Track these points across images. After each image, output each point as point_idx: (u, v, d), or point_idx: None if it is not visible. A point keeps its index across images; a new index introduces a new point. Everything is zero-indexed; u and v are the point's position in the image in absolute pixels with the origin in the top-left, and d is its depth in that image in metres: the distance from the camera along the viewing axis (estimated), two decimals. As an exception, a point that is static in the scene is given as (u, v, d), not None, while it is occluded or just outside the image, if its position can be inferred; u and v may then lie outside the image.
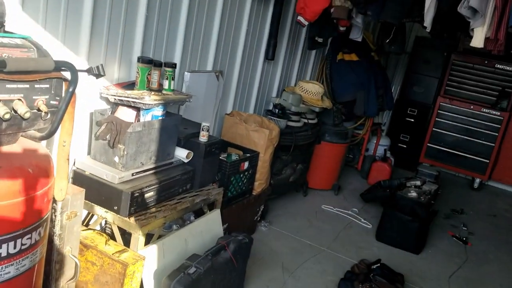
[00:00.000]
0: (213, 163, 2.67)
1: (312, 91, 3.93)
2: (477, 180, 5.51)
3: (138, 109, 2.28)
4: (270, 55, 3.60)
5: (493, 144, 5.35)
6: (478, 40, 2.54)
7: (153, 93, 2.29)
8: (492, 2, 2.42)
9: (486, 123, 5.35)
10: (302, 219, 3.83)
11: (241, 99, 3.61)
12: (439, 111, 5.54)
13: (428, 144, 5.64)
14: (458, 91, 5.46)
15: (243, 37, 3.38)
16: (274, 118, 3.53)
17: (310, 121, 3.89)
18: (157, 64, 2.35)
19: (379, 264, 2.91)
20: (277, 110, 3.57)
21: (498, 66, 5.27)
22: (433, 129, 5.59)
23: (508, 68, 5.22)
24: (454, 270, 3.42)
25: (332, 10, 3.08)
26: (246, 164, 2.97)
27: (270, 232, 3.46)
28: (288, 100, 3.69)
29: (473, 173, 5.53)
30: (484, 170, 5.43)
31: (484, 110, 5.34)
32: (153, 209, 2.27)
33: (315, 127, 4.01)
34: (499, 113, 5.27)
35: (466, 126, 5.45)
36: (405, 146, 5.78)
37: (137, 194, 2.15)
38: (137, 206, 2.17)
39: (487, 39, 2.55)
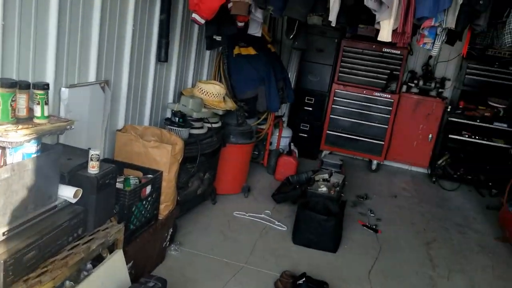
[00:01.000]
0: (109, 197, 2.23)
1: (213, 92, 3.60)
2: (375, 162, 5.70)
3: (3, 149, 1.76)
4: (163, 57, 3.19)
5: (386, 126, 5.55)
6: (385, 33, 2.45)
7: (20, 125, 1.78)
8: (397, -6, 2.34)
9: (379, 106, 5.52)
10: (214, 232, 3.53)
11: (134, 110, 3.16)
12: (335, 98, 5.59)
13: (327, 132, 5.68)
14: (351, 77, 5.55)
15: (129, 38, 2.92)
16: (174, 128, 3.14)
17: (214, 125, 3.57)
18: (24, 86, 1.83)
19: (304, 279, 2.74)
20: (177, 119, 3.19)
21: (385, 50, 5.43)
22: (331, 116, 5.64)
23: (394, 51, 5.40)
24: (372, 264, 3.41)
25: (230, 5, 2.77)
26: (148, 189, 2.57)
27: (182, 256, 3.11)
28: (188, 105, 3.31)
29: (371, 155, 5.71)
30: (380, 151, 5.63)
31: (376, 93, 5.50)
32: (37, 272, 1.79)
33: (220, 131, 3.71)
34: (389, 96, 5.46)
35: (360, 111, 5.57)
36: (306, 136, 5.75)
37: (12, 260, 1.66)
38: (15, 274, 1.68)
39: (394, 32, 2.47)
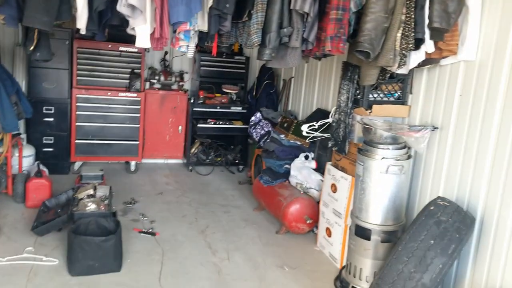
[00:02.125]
0: None
1: None
2: (133, 163, 5.60)
3: None
4: None
5: (138, 125, 5.50)
6: (143, 39, 2.36)
7: None
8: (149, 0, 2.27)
9: (127, 106, 5.41)
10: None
11: None
12: (77, 104, 5.18)
13: (76, 141, 5.24)
14: (92, 80, 5.24)
15: None
16: None
17: None
18: None
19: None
20: None
21: (123, 49, 5.32)
22: (77, 124, 5.22)
23: (132, 49, 5.34)
24: (159, 269, 3.36)
25: None
26: None
27: None
28: None
29: (127, 157, 5.59)
30: (136, 151, 5.56)
31: (121, 94, 5.36)
32: None
33: None
34: (135, 95, 5.41)
35: (108, 114, 5.35)
36: (52, 150, 5.15)
37: None
38: None
39: (151, 37, 2.41)
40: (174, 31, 2.51)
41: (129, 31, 2.48)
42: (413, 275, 2.39)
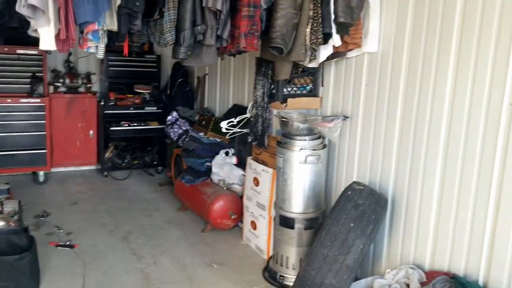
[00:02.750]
0: None
1: None
2: (41, 173, 5.23)
3: None
4: None
5: (44, 132, 5.15)
6: (48, 41, 2.20)
7: None
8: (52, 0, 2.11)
9: (30, 113, 5.04)
10: None
11: None
12: (-26, 113, 4.71)
13: (-26, 154, 4.78)
14: (-12, 86, 4.79)
15: None
16: None
17: None
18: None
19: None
20: None
21: (21, 52, 4.94)
22: (-26, 135, 4.75)
23: (31, 52, 4.97)
24: (82, 283, 3.19)
25: None
26: None
27: None
28: None
29: (35, 167, 5.20)
30: (45, 160, 5.20)
31: (23, 100, 4.98)
32: None
33: None
34: (39, 100, 5.05)
35: (9, 122, 4.95)
36: None
37: None
38: None
39: (58, 39, 2.25)
40: (82, 32, 2.38)
41: (30, 33, 2.30)
42: (337, 257, 2.52)
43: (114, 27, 2.40)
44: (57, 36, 2.25)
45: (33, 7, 2.07)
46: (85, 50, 2.49)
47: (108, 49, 2.78)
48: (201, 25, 2.50)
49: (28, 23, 2.22)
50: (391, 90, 2.91)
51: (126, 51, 2.72)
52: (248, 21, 2.53)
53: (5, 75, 4.87)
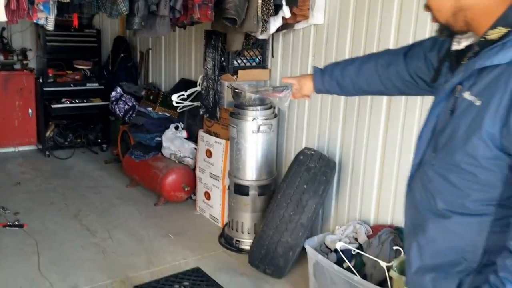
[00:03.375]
0: None
1: None
2: (-23, 155, 4.97)
3: None
4: None
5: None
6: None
7: None
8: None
9: (-39, 91, 4.73)
10: None
11: None
12: None
13: None
14: None
15: None
16: None
17: None
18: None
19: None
20: None
21: None
22: None
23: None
24: (37, 260, 3.15)
25: None
26: None
27: None
28: None
29: (-31, 149, 4.93)
30: (-20, 141, 4.94)
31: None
32: None
33: None
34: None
35: None
36: None
37: None
38: None
39: (8, 10, 2.15)
40: (32, 3, 2.29)
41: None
42: (293, 217, 2.70)
43: (63, -4, 2.34)
44: (6, 6, 2.16)
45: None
46: (35, 21, 2.41)
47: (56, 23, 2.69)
48: (155, -5, 2.51)
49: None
50: (337, 59, 3.08)
51: (76, 22, 2.66)
52: (202, -8, 2.57)
53: None
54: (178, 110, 4.33)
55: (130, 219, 3.90)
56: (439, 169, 1.11)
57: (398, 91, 1.53)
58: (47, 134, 5.40)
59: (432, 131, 1.16)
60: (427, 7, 1.14)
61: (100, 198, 4.31)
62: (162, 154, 4.34)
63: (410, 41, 2.60)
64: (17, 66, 5.27)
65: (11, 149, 5.45)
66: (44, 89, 5.24)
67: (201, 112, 3.85)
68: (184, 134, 4.34)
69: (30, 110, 5.31)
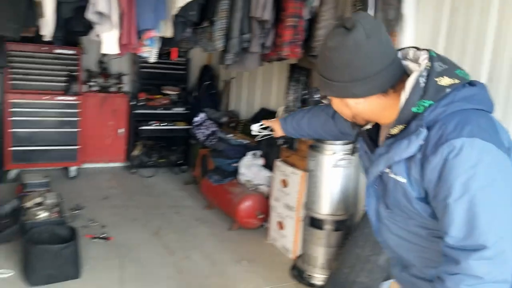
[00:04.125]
0: None
1: None
2: (73, 168, 5.42)
3: None
4: None
5: (77, 129, 5.34)
6: (111, 45, 2.37)
7: None
8: (116, 6, 2.28)
9: (64, 110, 5.23)
10: None
11: None
12: (13, 109, 4.92)
13: (12, 149, 4.98)
14: (27, 84, 5.01)
15: None
16: None
17: None
18: None
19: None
20: None
21: (58, 51, 5.13)
22: (13, 130, 4.96)
23: (68, 51, 5.17)
24: (120, 273, 3.37)
25: None
26: None
27: None
28: None
29: (66, 162, 5.39)
30: (76, 156, 5.39)
31: (59, 97, 5.17)
32: None
33: None
34: (73, 98, 5.24)
35: (46, 118, 5.15)
36: (-16, 158, 4.86)
37: None
38: None
39: (120, 44, 2.42)
40: (139, 37, 2.55)
41: (92, 37, 2.48)
42: (370, 257, 2.66)
43: (168, 33, 2.57)
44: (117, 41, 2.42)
45: (100, 14, 2.25)
46: (138, 54, 2.66)
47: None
48: (248, 33, 2.66)
49: (90, 28, 2.39)
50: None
51: (176, 55, 2.89)
52: (292, 31, 2.68)
53: (42, 73, 5.07)
54: (256, 140, 4.44)
55: (206, 241, 4.04)
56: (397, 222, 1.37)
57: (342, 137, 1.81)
58: (134, 153, 5.79)
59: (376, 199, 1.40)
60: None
61: (179, 218, 4.52)
62: (238, 180, 4.47)
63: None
64: (113, 89, 5.74)
65: (102, 165, 5.89)
66: (135, 111, 5.64)
67: (279, 142, 3.94)
68: (261, 161, 4.45)
69: (121, 130, 5.73)
